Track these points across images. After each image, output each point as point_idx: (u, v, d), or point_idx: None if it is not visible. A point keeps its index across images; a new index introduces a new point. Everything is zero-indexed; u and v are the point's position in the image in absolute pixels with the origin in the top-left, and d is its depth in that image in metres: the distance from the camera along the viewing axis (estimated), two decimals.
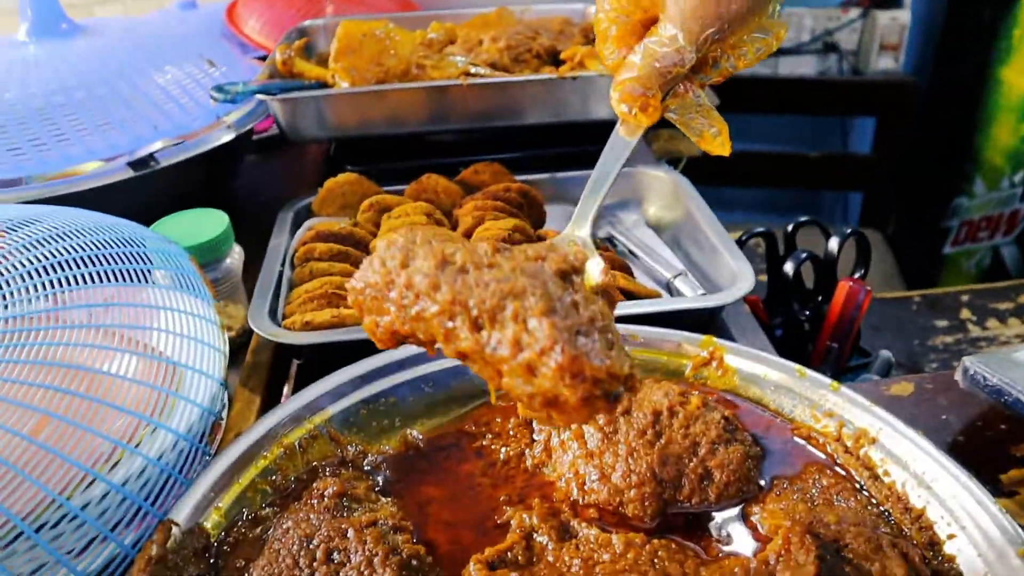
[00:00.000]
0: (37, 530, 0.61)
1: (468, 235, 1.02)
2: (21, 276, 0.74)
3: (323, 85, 1.26)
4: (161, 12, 1.70)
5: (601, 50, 0.70)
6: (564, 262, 0.59)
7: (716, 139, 0.70)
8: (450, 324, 0.55)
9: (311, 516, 0.67)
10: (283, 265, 1.02)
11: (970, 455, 0.81)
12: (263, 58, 1.45)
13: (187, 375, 0.77)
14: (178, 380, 0.77)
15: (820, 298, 1.02)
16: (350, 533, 0.64)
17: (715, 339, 0.84)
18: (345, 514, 0.68)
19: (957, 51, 2.74)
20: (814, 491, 0.71)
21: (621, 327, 0.86)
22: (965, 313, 1.48)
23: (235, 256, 1.00)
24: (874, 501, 0.70)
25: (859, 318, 0.96)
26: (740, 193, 3.09)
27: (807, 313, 1.02)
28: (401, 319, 0.57)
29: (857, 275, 1.00)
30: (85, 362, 0.72)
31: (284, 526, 0.67)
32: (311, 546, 0.64)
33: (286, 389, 0.93)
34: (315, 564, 0.63)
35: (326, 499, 0.69)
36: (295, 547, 0.64)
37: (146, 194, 1.11)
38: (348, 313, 0.88)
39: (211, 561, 0.65)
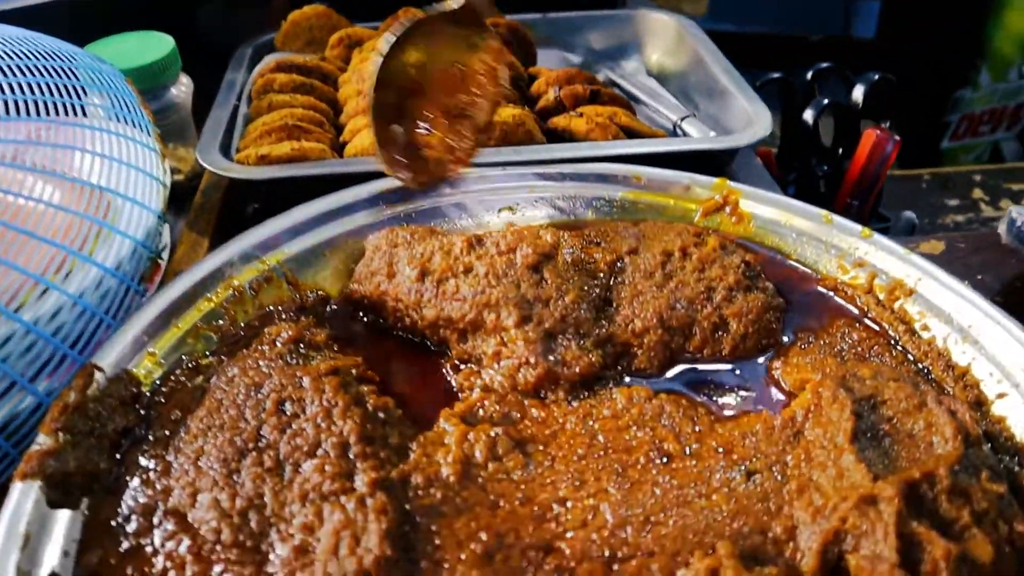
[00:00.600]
0: None
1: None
2: None
3: None
4: None
5: None
6: (535, 254, 0.62)
7: None
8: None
9: (260, 363, 0.57)
10: (239, 100, 0.89)
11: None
12: None
13: (120, 206, 0.65)
14: (111, 213, 0.66)
15: (840, 151, 0.91)
16: (306, 382, 0.55)
17: (729, 182, 0.74)
18: (301, 362, 0.58)
19: None
20: (843, 345, 0.62)
21: (623, 167, 0.75)
22: (977, 192, 1.39)
23: (182, 88, 0.87)
24: (911, 357, 0.61)
25: (884, 172, 0.86)
26: None
27: (825, 168, 0.91)
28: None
29: (884, 125, 0.89)
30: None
31: (229, 374, 0.57)
32: (260, 395, 0.54)
33: None
34: (263, 415, 0.53)
35: (279, 345, 0.59)
36: (241, 396, 0.55)
37: (80, 15, 0.96)
38: (310, 146, 0.76)
39: (141, 412, 0.55)
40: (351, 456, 0.50)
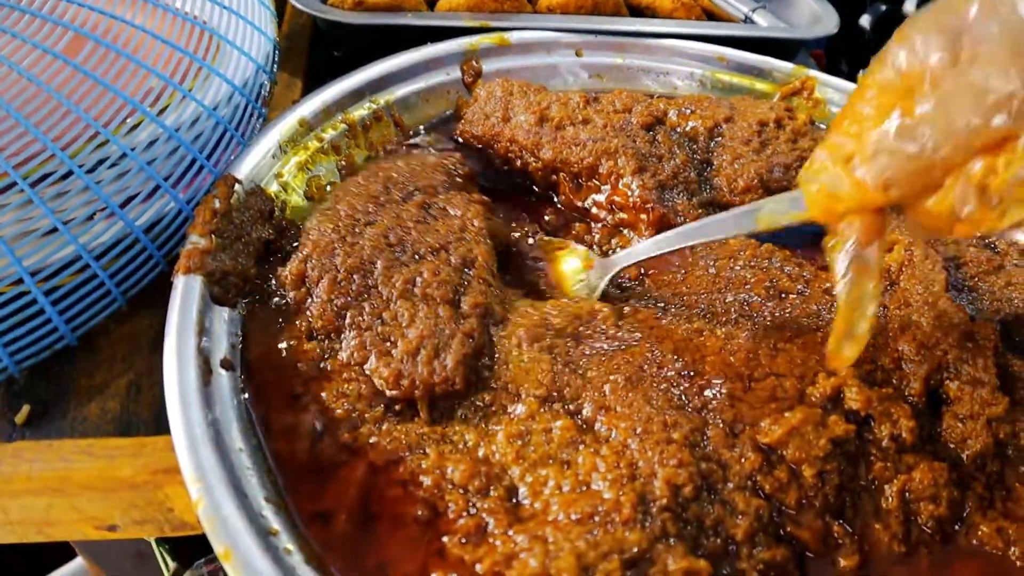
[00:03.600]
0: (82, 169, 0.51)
1: None
2: None
3: None
4: None
5: None
6: (649, 115, 0.66)
7: None
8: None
9: (418, 164, 0.59)
10: None
11: None
12: None
13: (236, 27, 0.64)
14: (223, 28, 0.65)
15: None
16: (457, 199, 0.56)
17: (807, 68, 0.77)
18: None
19: None
20: None
21: (706, 47, 0.78)
22: None
23: None
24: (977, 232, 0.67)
25: None
26: None
27: None
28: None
29: None
30: (114, 6, 0.59)
31: (392, 162, 0.59)
32: (411, 187, 0.56)
33: None
34: (407, 204, 0.55)
35: (434, 157, 0.61)
36: (394, 177, 0.56)
37: None
38: None
39: (279, 227, 0.57)
40: (467, 273, 0.53)
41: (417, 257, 0.52)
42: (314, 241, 0.52)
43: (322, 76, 0.68)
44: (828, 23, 0.85)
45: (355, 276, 0.50)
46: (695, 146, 0.66)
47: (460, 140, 0.68)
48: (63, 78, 0.53)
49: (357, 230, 0.53)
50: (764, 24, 0.89)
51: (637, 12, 0.86)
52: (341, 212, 0.54)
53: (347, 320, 0.49)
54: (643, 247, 0.56)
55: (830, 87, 0.76)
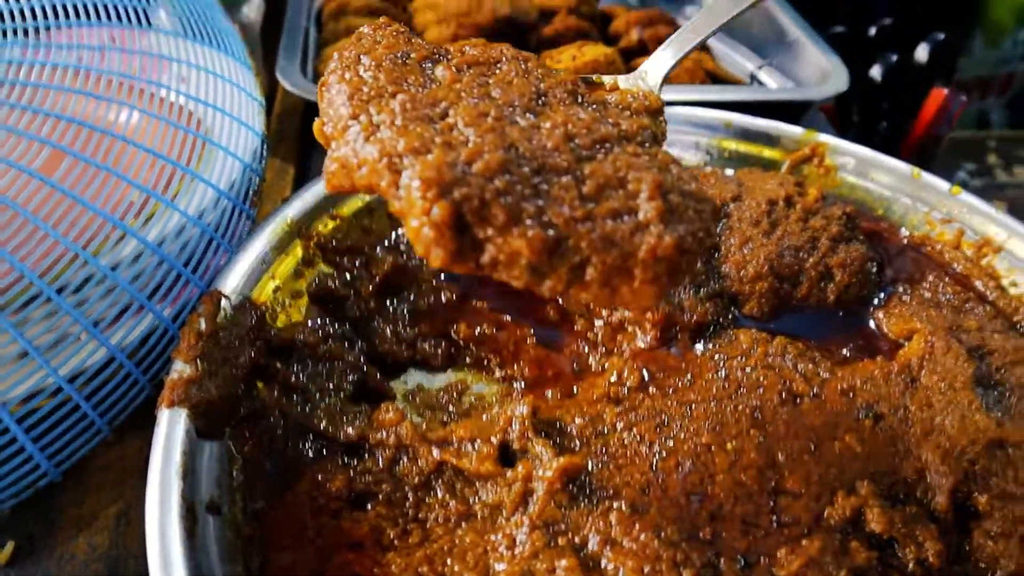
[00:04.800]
0: (58, 292, 0.49)
1: None
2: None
3: None
4: None
5: None
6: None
7: None
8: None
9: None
10: (307, 21, 0.86)
11: None
12: None
13: (221, 124, 0.63)
14: (207, 130, 0.64)
15: (901, 110, 0.92)
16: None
17: (817, 133, 0.74)
18: None
19: None
20: (940, 298, 0.64)
21: (711, 113, 0.76)
22: (992, 158, 1.42)
23: (254, 6, 0.84)
24: (1004, 312, 0.64)
25: (948, 132, 0.87)
26: None
27: (884, 125, 0.93)
28: None
29: (938, 85, 0.91)
30: (96, 108, 0.58)
31: None
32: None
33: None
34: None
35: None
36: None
37: None
38: None
39: (268, 345, 0.55)
40: None
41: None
42: None
43: (316, 156, 0.66)
44: (838, 80, 0.82)
45: None
46: None
47: None
48: (41, 197, 0.52)
49: None
50: (772, 84, 0.86)
51: None
52: None
53: None
54: (666, 54, 0.53)
55: (841, 153, 0.73)
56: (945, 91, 0.87)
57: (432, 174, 0.36)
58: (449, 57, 0.47)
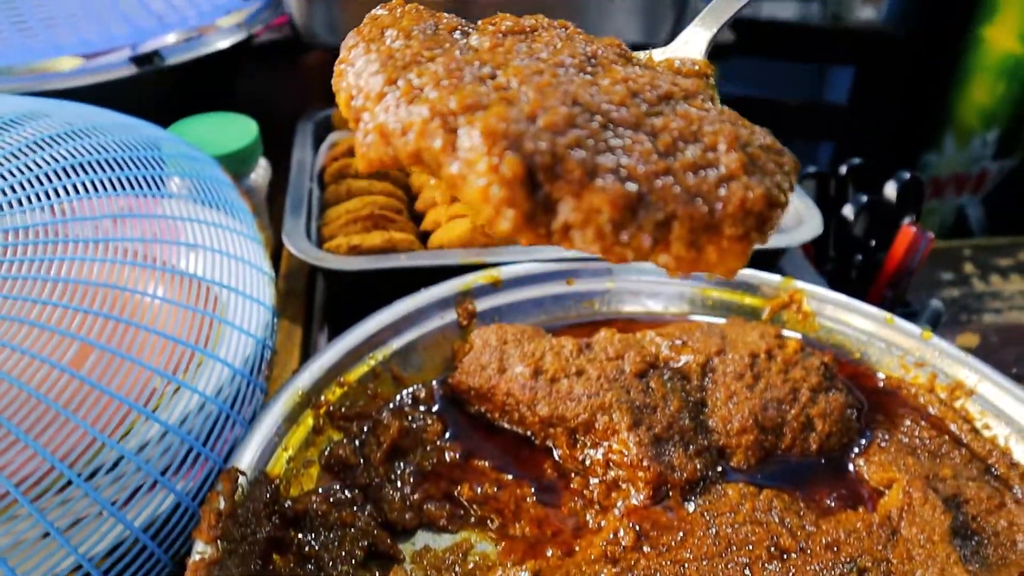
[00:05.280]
0: (88, 479, 0.53)
1: None
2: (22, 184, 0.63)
3: None
4: None
5: None
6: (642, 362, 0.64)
7: None
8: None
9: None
10: (311, 182, 0.92)
11: None
12: None
13: (232, 301, 0.67)
14: (222, 307, 0.68)
15: (874, 244, 0.98)
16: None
17: (794, 280, 0.79)
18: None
19: (940, 5, 2.72)
20: (916, 443, 0.68)
21: None
22: (968, 268, 1.48)
23: (261, 171, 0.90)
24: (979, 456, 0.67)
25: (919, 267, 0.93)
26: None
27: (859, 258, 0.99)
28: None
29: (908, 220, 0.97)
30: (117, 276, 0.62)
31: None
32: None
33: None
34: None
35: None
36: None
37: (146, 96, 0.98)
38: (400, 237, 0.80)
39: (285, 518, 0.58)
40: None
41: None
42: None
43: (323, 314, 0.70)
44: (813, 224, 0.87)
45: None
46: (688, 386, 0.68)
47: (459, 390, 0.69)
48: (62, 385, 0.55)
49: None
50: None
51: None
52: None
53: None
54: (703, 24, 0.50)
55: (818, 299, 0.78)
56: (913, 230, 0.93)
57: (500, 126, 0.33)
58: (481, 28, 0.45)
